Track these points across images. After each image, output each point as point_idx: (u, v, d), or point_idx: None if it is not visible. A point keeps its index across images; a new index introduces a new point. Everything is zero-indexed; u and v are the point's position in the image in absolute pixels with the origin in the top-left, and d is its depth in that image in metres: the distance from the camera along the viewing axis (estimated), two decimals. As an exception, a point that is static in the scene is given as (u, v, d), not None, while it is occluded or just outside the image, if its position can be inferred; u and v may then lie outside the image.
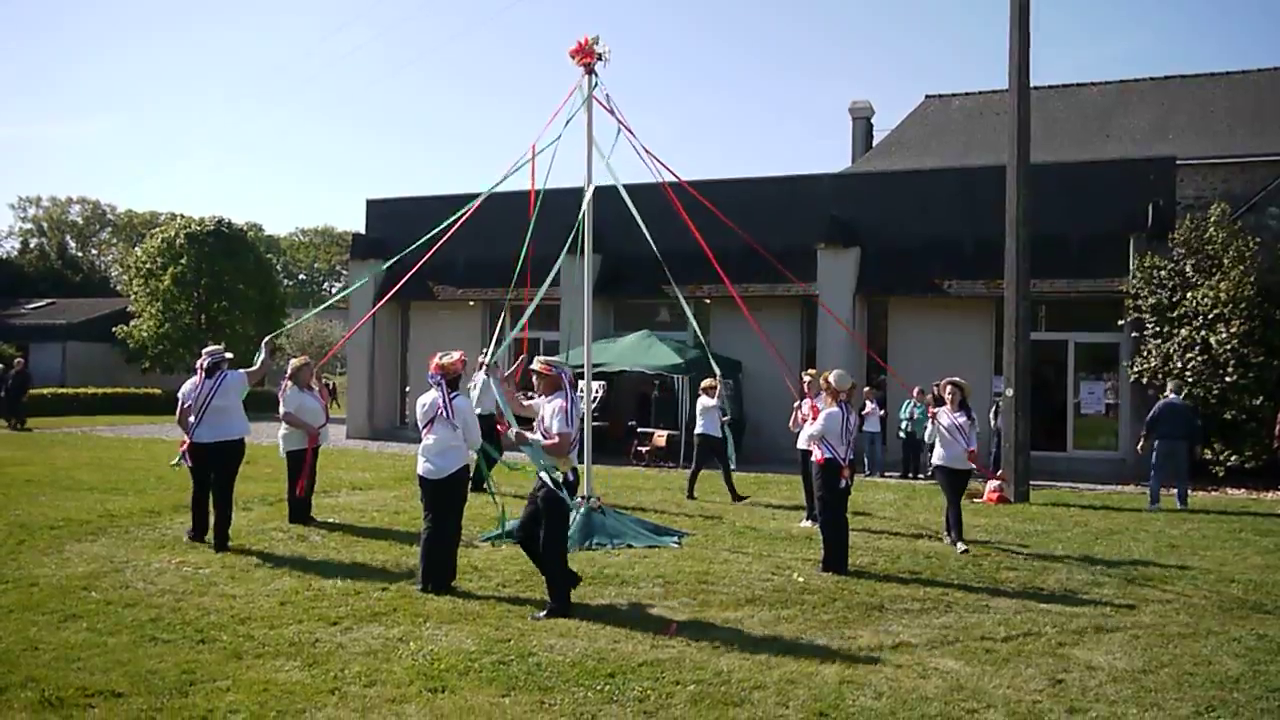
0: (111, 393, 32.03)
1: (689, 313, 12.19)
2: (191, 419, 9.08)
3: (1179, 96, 26.64)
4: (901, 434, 17.25)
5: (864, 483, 15.11)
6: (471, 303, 22.52)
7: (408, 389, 23.54)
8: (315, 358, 14.26)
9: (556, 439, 7.02)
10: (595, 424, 16.02)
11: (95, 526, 10.06)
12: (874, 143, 31.05)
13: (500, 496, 9.49)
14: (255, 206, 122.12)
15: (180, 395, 9.26)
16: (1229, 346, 15.55)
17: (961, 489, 10.38)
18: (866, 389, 17.65)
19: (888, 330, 19.72)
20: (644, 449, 18.41)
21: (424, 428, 7.76)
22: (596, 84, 10.31)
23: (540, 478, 7.15)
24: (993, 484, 14.09)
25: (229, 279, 33.18)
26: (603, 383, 20.28)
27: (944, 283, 18.78)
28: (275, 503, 11.59)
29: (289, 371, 10.83)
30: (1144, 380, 16.69)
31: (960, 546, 9.78)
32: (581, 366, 11.41)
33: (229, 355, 9.56)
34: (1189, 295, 16.27)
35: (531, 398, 7.53)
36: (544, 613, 6.95)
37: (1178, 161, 19.73)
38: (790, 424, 11.35)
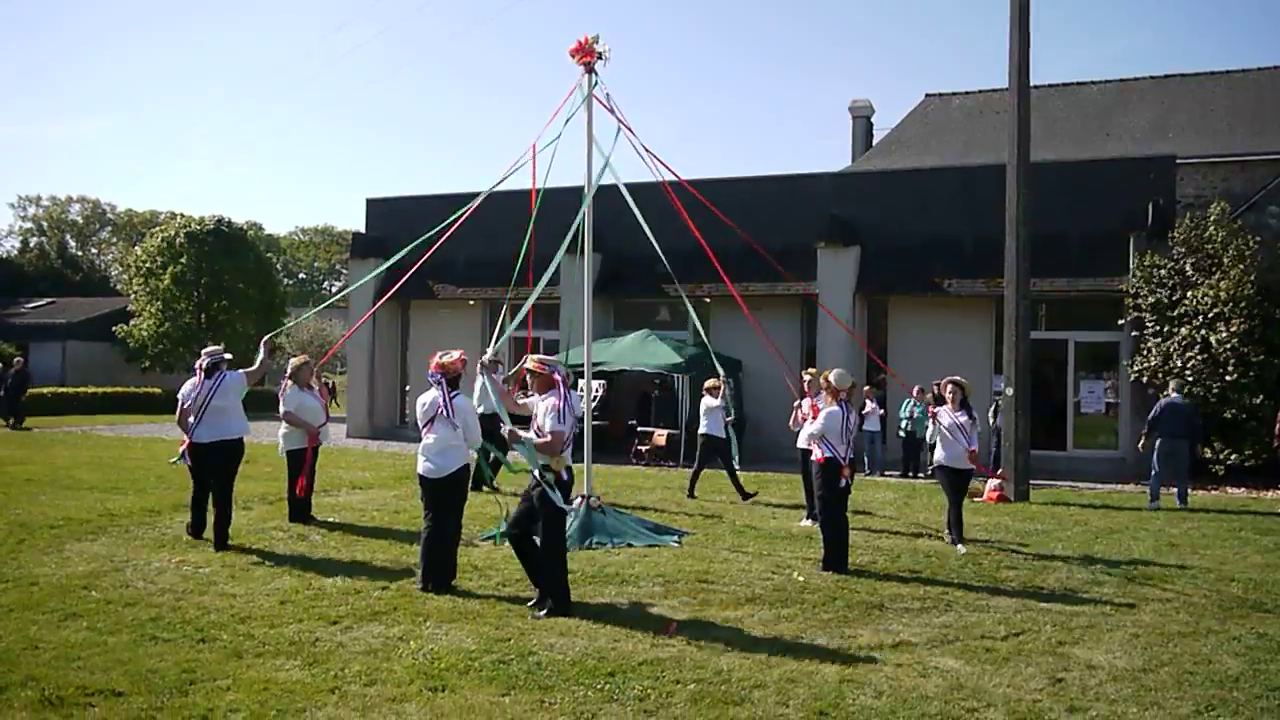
0: (111, 392, 32.03)
1: (691, 311, 12.18)
2: (191, 419, 9.11)
3: (1179, 95, 26.64)
4: (901, 433, 17.25)
5: (864, 482, 15.11)
6: (471, 302, 22.52)
7: (408, 388, 23.55)
8: (315, 357, 14.26)
9: (549, 437, 7.03)
10: (595, 423, 16.03)
11: (95, 526, 10.06)
12: (874, 142, 31.04)
13: (504, 497, 9.50)
14: (255, 206, 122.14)
15: (180, 396, 9.29)
16: (1229, 345, 15.55)
17: (963, 489, 10.37)
18: (866, 388, 17.65)
19: (888, 329, 19.72)
20: (644, 448, 18.41)
21: (424, 427, 7.76)
22: (596, 83, 10.30)
23: (534, 476, 7.17)
24: (993, 483, 14.09)
25: (229, 278, 33.16)
26: (603, 382, 20.28)
27: (944, 282, 18.78)
28: (275, 502, 11.59)
29: (289, 371, 10.84)
30: (1144, 379, 16.69)
31: (960, 548, 9.77)
32: (581, 365, 11.41)
33: (228, 356, 9.60)
34: (1189, 294, 16.27)
35: (531, 396, 7.54)
36: (544, 611, 6.95)
37: (1178, 160, 19.74)
38: (790, 423, 11.35)
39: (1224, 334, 15.61)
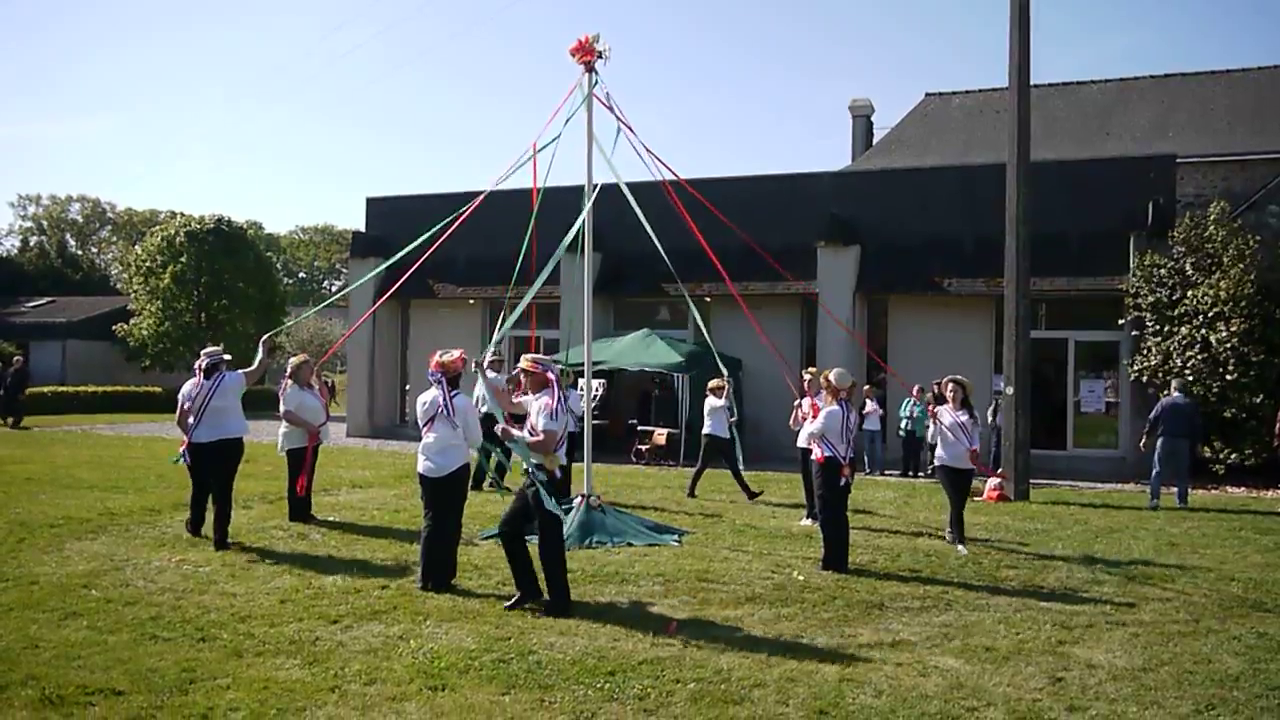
0: (111, 391, 32.05)
1: (694, 310, 12.17)
2: (191, 419, 9.14)
3: (1179, 95, 26.64)
4: (901, 432, 17.25)
5: (864, 481, 15.11)
6: (471, 301, 22.52)
7: (408, 387, 23.55)
8: (315, 356, 14.26)
9: (541, 436, 7.04)
10: (596, 422, 16.02)
11: (95, 524, 10.07)
12: (874, 141, 31.03)
13: (512, 496, 9.48)
14: (255, 205, 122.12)
15: (180, 397, 9.34)
16: (1229, 345, 15.55)
17: (964, 488, 10.29)
18: (866, 387, 17.65)
19: (888, 328, 19.72)
20: (644, 447, 18.41)
21: (424, 426, 7.77)
22: (597, 82, 10.29)
23: (528, 476, 7.17)
24: (993, 482, 14.08)
25: (229, 277, 33.15)
26: (603, 381, 20.28)
27: (944, 281, 18.77)
28: (275, 501, 11.59)
29: (289, 370, 10.84)
30: (1144, 379, 16.69)
31: (960, 548, 9.76)
32: (582, 365, 11.40)
33: (227, 357, 9.65)
34: (1189, 293, 16.26)
35: (525, 395, 7.56)
36: (514, 605, 7.01)
37: (1178, 159, 19.74)
38: (790, 422, 11.34)
39: (1224, 333, 15.60)
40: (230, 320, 33.08)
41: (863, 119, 31.73)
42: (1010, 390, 14.55)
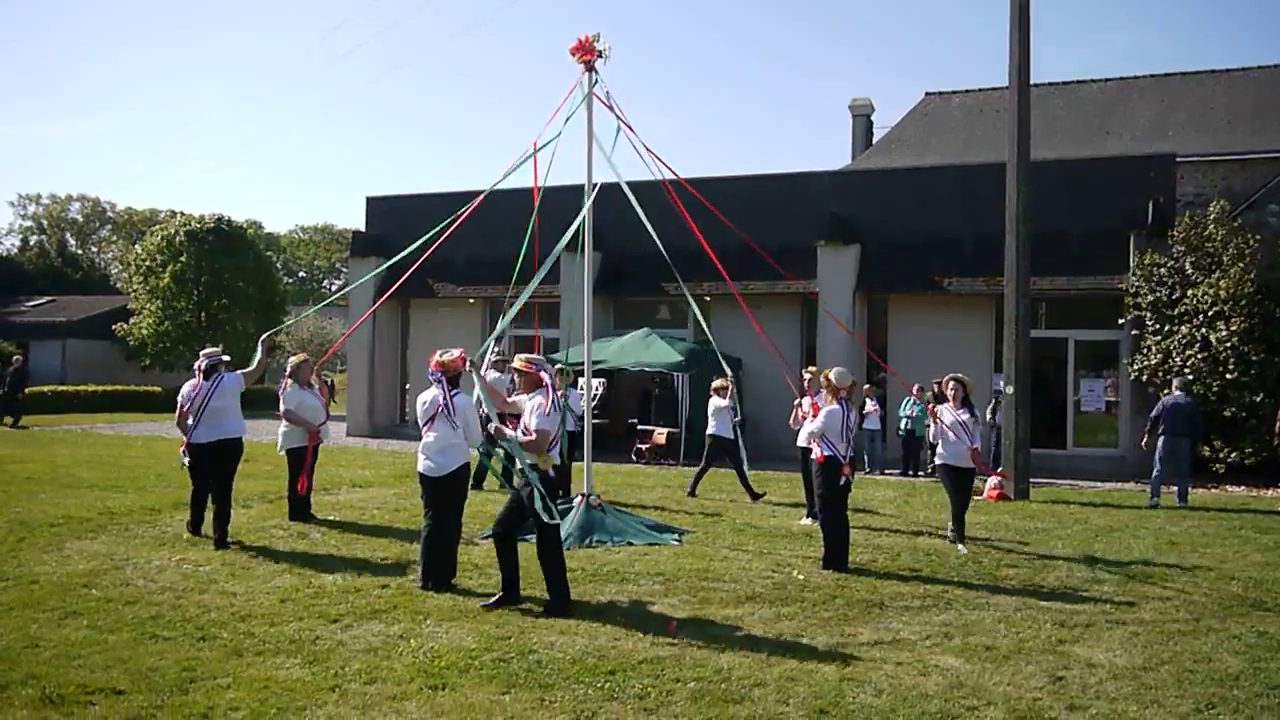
0: (111, 390, 32.05)
1: (695, 309, 12.17)
2: (190, 420, 9.16)
3: (1179, 94, 26.63)
4: (901, 432, 17.25)
5: (864, 480, 15.11)
6: (471, 300, 22.52)
7: (408, 386, 23.55)
8: (315, 355, 14.26)
9: (534, 436, 7.05)
10: (596, 422, 16.03)
11: (95, 524, 10.07)
12: (874, 140, 31.02)
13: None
14: (255, 204, 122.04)
15: (180, 398, 9.38)
16: (1229, 344, 15.56)
17: (965, 487, 10.21)
18: (866, 386, 17.65)
19: (888, 327, 19.72)
20: (644, 446, 18.42)
21: (424, 425, 7.77)
22: (597, 81, 10.29)
23: (523, 477, 7.17)
24: (993, 481, 14.08)
25: (229, 276, 33.14)
26: (603, 380, 20.28)
27: (944, 280, 18.78)
28: (275, 500, 11.59)
29: (289, 369, 10.84)
30: (1144, 378, 16.69)
31: (961, 548, 9.76)
32: (582, 364, 11.40)
33: (226, 358, 9.69)
34: (1189, 292, 16.27)
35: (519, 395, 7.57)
36: (495, 603, 7.02)
37: (1178, 159, 19.74)
38: (790, 421, 11.34)
39: (1224, 332, 15.61)
40: (230, 319, 33.07)
41: (863, 118, 31.73)
42: (1010, 389, 14.55)
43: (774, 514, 11.98)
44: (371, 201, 24.44)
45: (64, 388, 31.23)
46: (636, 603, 7.38)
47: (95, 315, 36.67)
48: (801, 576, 8.33)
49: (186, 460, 9.36)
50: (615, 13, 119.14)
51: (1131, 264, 17.24)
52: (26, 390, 25.24)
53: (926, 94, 30.56)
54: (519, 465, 7.21)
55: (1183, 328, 16.15)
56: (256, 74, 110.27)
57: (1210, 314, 15.89)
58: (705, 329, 14.12)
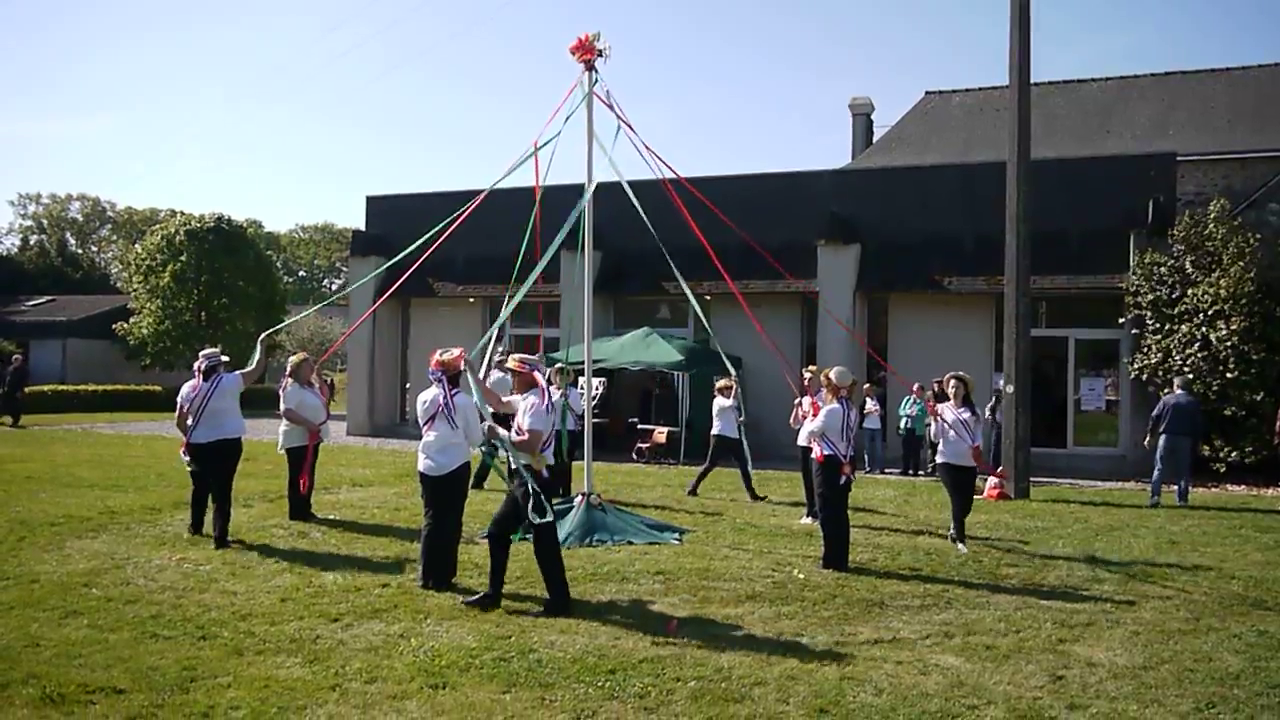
0: (111, 390, 32.06)
1: (697, 308, 12.17)
2: (190, 421, 9.18)
3: (1180, 93, 26.61)
4: (901, 431, 17.25)
5: (864, 479, 15.11)
6: (471, 299, 22.52)
7: (408, 385, 23.56)
8: (315, 354, 14.26)
9: (527, 435, 7.05)
10: (596, 421, 16.02)
11: (96, 523, 10.07)
12: (874, 139, 31.01)
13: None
14: (255, 203, 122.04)
15: (179, 399, 9.39)
16: (1229, 343, 15.56)
17: (965, 486, 10.15)
18: (867, 386, 17.64)
19: (888, 326, 19.72)
20: (644, 446, 18.42)
21: (425, 424, 7.78)
22: (597, 80, 10.28)
23: (519, 478, 7.17)
24: (993, 480, 14.08)
25: (229, 276, 33.15)
26: (603, 379, 20.28)
27: (944, 279, 18.77)
28: (276, 499, 11.59)
29: (289, 368, 10.84)
30: (1144, 377, 16.69)
31: (961, 547, 9.75)
32: (582, 363, 11.40)
33: (225, 358, 9.72)
34: (1189, 291, 16.27)
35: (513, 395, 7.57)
36: (475, 599, 7.04)
37: (1178, 158, 19.74)
38: (790, 420, 11.34)
39: (1224, 331, 15.61)
40: (230, 319, 33.08)
41: (863, 117, 31.71)
42: (1010, 388, 14.54)
43: (774, 513, 11.98)
44: (371, 201, 24.44)
45: (64, 387, 31.24)
46: (637, 602, 7.38)
47: (95, 315, 36.68)
48: (802, 575, 8.33)
49: (186, 459, 9.38)
50: (615, 12, 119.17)
51: (1132, 263, 17.24)
52: (26, 390, 25.26)
53: (927, 93, 30.56)
54: (513, 465, 7.21)
55: (1183, 327, 16.15)
56: (256, 74, 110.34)
57: (1210, 313, 15.89)
58: (706, 327, 14.08)
